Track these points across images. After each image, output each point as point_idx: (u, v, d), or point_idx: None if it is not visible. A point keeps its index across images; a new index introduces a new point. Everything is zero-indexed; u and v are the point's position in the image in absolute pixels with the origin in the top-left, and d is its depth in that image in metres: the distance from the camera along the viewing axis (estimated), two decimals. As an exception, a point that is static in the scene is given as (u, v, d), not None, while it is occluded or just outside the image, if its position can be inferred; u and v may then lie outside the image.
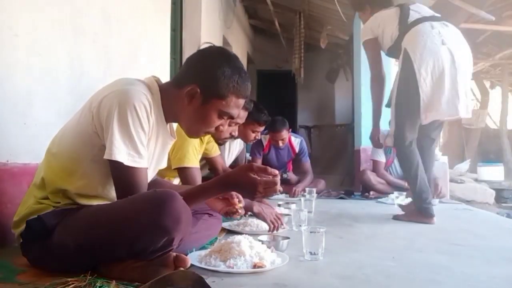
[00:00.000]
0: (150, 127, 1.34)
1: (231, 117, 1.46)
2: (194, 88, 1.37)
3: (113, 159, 1.26)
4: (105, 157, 1.27)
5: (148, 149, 1.37)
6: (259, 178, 1.32)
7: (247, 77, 1.43)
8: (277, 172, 1.36)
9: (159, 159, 1.52)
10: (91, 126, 1.32)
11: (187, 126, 1.47)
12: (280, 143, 4.04)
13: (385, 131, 4.11)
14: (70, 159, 1.35)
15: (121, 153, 1.26)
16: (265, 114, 2.94)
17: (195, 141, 2.22)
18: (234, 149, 3.21)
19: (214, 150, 2.62)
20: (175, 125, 1.58)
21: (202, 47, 1.53)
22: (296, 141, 4.27)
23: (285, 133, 4.01)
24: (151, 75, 1.47)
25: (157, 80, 1.45)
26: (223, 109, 1.40)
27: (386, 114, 4.71)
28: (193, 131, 1.48)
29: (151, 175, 1.49)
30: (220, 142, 2.47)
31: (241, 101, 1.44)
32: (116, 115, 1.26)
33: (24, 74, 1.88)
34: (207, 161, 2.74)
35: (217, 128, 1.47)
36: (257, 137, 3.07)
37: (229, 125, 2.35)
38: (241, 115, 2.39)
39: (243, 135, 2.97)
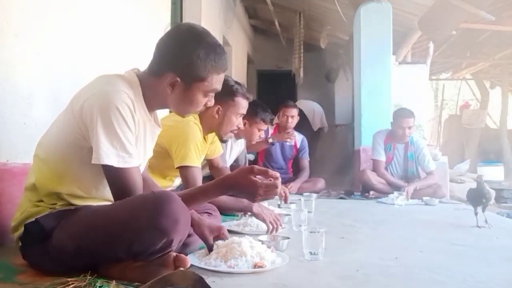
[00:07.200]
0: (136, 125, 1.33)
1: (216, 91, 1.47)
2: (173, 77, 1.36)
3: (102, 163, 1.25)
4: (93, 162, 1.26)
5: (137, 147, 1.36)
6: (259, 181, 1.31)
7: (222, 49, 1.44)
8: (278, 175, 1.36)
9: (150, 151, 1.52)
10: (77, 129, 1.30)
11: (176, 110, 1.49)
12: (290, 120, 4.27)
13: (385, 130, 4.11)
14: (59, 163, 1.34)
15: (109, 156, 1.25)
16: (270, 113, 3.18)
17: (198, 140, 2.19)
18: (235, 149, 3.22)
19: (217, 151, 2.61)
20: (160, 113, 1.57)
21: (168, 28, 1.52)
22: (299, 137, 4.47)
23: (295, 111, 4.34)
24: (131, 68, 1.45)
25: (137, 72, 1.43)
26: (207, 89, 1.42)
27: (387, 114, 4.74)
28: (182, 113, 1.50)
29: (142, 169, 1.48)
30: (226, 138, 2.44)
31: (222, 75, 1.46)
32: (100, 120, 1.24)
33: (24, 74, 1.87)
34: (207, 160, 2.73)
35: (205, 104, 1.48)
36: (261, 136, 3.28)
37: (237, 118, 2.34)
38: (244, 105, 2.37)
39: (248, 134, 3.08)
